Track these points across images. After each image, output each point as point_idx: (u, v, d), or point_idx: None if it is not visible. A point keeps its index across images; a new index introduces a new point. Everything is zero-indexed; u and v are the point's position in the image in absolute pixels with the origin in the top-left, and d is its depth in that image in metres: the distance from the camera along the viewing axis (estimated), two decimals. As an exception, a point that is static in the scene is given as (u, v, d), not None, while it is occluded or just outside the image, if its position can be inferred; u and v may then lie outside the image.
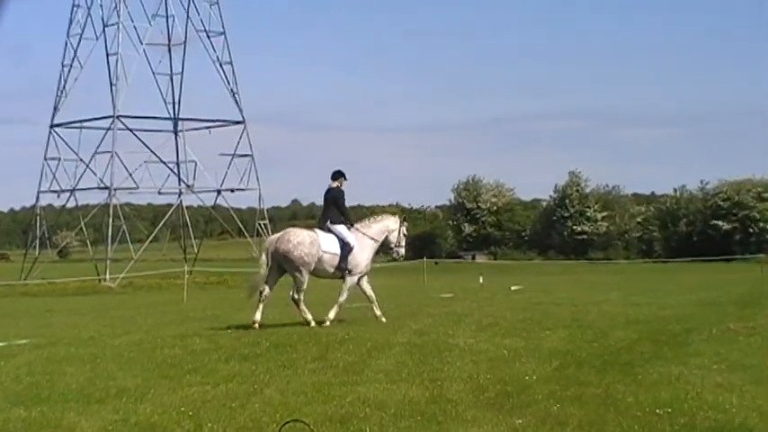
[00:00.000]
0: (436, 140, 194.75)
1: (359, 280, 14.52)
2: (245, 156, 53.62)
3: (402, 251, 15.07)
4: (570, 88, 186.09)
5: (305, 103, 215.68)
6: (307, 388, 8.68)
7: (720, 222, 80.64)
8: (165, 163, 52.79)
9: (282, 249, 13.93)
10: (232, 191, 53.85)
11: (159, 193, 53.41)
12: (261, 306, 14.11)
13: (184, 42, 54.96)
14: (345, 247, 14.14)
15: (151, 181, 51.57)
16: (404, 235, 15.01)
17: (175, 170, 53.83)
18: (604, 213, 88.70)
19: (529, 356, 10.29)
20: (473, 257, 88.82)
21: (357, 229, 14.49)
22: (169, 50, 55.61)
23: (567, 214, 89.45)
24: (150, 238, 56.12)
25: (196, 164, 53.28)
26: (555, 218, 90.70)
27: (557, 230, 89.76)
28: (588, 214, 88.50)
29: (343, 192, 14.64)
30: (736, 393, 7.99)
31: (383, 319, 14.34)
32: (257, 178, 53.50)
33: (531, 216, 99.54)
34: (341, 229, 14.27)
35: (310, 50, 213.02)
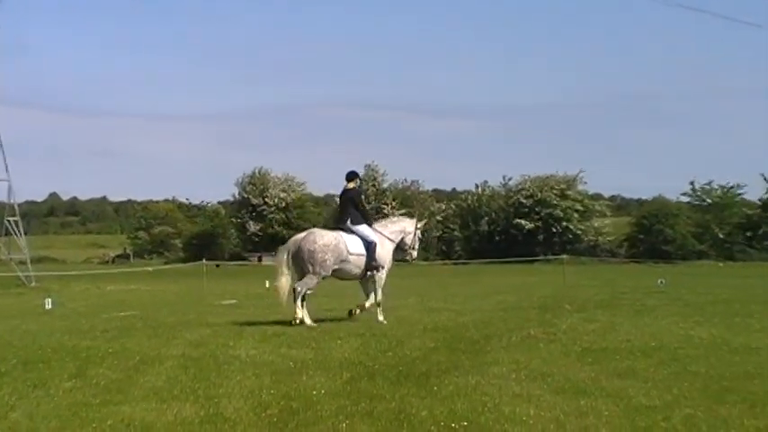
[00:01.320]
0: (218, 129, 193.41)
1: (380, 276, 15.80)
2: (-8, 141, 50.74)
3: (415, 254, 16.68)
4: (367, 76, 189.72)
5: (66, 83, 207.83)
6: (61, 410, 8.34)
7: (523, 221, 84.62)
8: None
9: (308, 249, 15.18)
10: (-25, 182, 50.85)
11: None
12: (298, 302, 15.14)
13: None
14: (370, 247, 15.55)
15: None
16: (418, 238, 16.74)
17: None
18: (402, 211, 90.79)
19: (317, 369, 10.36)
20: (259, 259, 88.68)
21: (375, 229, 16.01)
22: None
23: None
24: None
25: (-72, 149, 49.90)
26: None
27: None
28: (385, 211, 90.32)
29: (360, 192, 16.53)
30: (535, 404, 8.38)
31: (384, 322, 15.39)
32: (6, 168, 50.77)
33: (324, 213, 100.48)
34: (363, 228, 15.75)
35: (75, 24, 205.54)
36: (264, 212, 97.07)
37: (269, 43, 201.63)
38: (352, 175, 16.29)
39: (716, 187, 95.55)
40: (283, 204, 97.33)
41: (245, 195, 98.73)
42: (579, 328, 14.67)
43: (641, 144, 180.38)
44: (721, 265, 75.07)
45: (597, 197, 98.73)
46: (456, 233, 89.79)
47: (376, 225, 16.23)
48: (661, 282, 31.50)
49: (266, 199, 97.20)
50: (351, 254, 15.36)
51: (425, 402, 8.45)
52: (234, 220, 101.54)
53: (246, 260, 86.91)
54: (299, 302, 15.16)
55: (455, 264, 72.53)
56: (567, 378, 9.75)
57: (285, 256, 15.36)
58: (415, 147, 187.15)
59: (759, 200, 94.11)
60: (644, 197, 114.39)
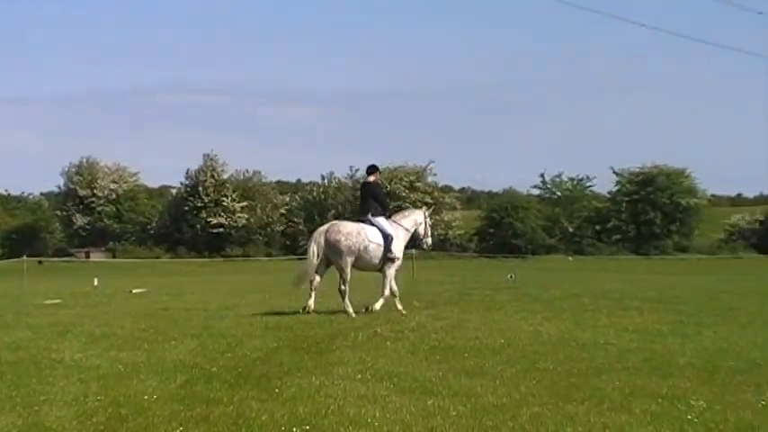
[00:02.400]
0: (41, 115, 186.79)
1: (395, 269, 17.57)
2: None
3: (430, 241, 18.81)
4: (204, 59, 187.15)
5: None
6: None
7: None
8: None
9: (333, 239, 16.86)
10: None
11: None
12: (313, 294, 17.13)
13: None
14: (388, 239, 17.24)
15: None
16: (429, 225, 18.65)
17: None
18: (244, 203, 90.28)
19: (150, 372, 10.20)
20: (87, 255, 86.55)
21: (394, 221, 17.86)
22: None
23: (200, 204, 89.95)
24: None
25: None
26: (186, 208, 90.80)
27: (188, 223, 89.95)
28: (225, 204, 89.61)
29: (380, 185, 18.47)
30: (380, 405, 8.47)
31: (404, 312, 16.94)
32: None
33: (159, 206, 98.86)
34: (382, 220, 17.44)
35: None
36: (93, 205, 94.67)
37: (97, 24, 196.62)
38: (372, 169, 18.18)
39: (566, 180, 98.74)
40: (114, 196, 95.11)
41: (72, 186, 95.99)
42: (427, 325, 14.88)
43: (492, 135, 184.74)
44: (571, 259, 77.74)
45: (447, 189, 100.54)
46: (301, 227, 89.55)
47: (394, 217, 18.13)
48: (511, 277, 32.32)
49: (95, 190, 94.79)
50: (371, 242, 17.04)
51: (266, 406, 8.42)
52: (59, 212, 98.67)
53: (73, 256, 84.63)
54: (347, 300, 16.78)
55: (300, 259, 72.43)
56: (415, 377, 9.89)
57: (314, 248, 17.03)
58: (257, 135, 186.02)
59: (608, 193, 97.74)
60: (494, 190, 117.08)
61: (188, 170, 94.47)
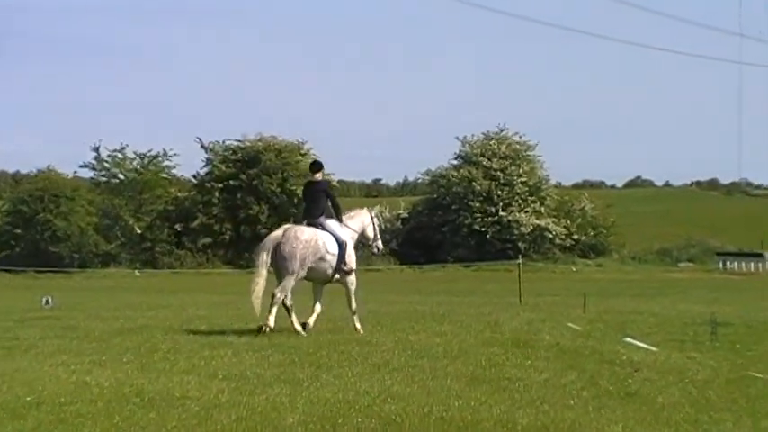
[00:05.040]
0: None
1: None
2: None
3: (380, 244, 23.14)
4: None
5: None
6: None
7: None
8: None
9: (291, 246, 20.43)
10: None
11: None
12: (274, 309, 20.45)
13: None
14: (342, 246, 21.09)
15: None
16: (377, 226, 22.86)
17: None
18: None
19: None
20: None
21: (344, 224, 21.76)
22: None
23: None
24: None
25: None
26: None
27: None
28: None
29: (328, 183, 23.06)
30: None
31: (303, 333, 20.51)
32: None
33: None
34: (334, 224, 21.41)
35: None
36: None
37: None
38: (318, 166, 22.60)
39: (132, 156, 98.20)
40: None
41: None
42: None
43: (20, 85, 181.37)
44: (138, 273, 78.14)
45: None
46: None
47: (343, 218, 21.89)
48: (47, 301, 31.93)
49: None
50: (328, 252, 20.88)
51: None
52: None
53: None
54: (274, 309, 20.38)
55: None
56: None
57: (264, 257, 20.52)
58: None
59: (194, 176, 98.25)
60: (23, 170, 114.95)
61: None
